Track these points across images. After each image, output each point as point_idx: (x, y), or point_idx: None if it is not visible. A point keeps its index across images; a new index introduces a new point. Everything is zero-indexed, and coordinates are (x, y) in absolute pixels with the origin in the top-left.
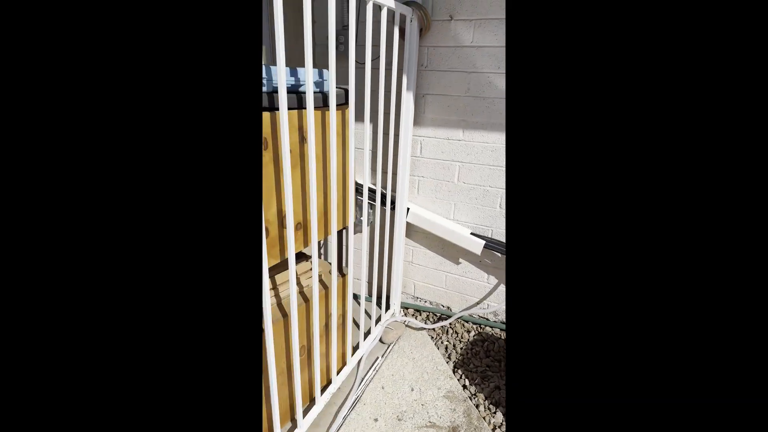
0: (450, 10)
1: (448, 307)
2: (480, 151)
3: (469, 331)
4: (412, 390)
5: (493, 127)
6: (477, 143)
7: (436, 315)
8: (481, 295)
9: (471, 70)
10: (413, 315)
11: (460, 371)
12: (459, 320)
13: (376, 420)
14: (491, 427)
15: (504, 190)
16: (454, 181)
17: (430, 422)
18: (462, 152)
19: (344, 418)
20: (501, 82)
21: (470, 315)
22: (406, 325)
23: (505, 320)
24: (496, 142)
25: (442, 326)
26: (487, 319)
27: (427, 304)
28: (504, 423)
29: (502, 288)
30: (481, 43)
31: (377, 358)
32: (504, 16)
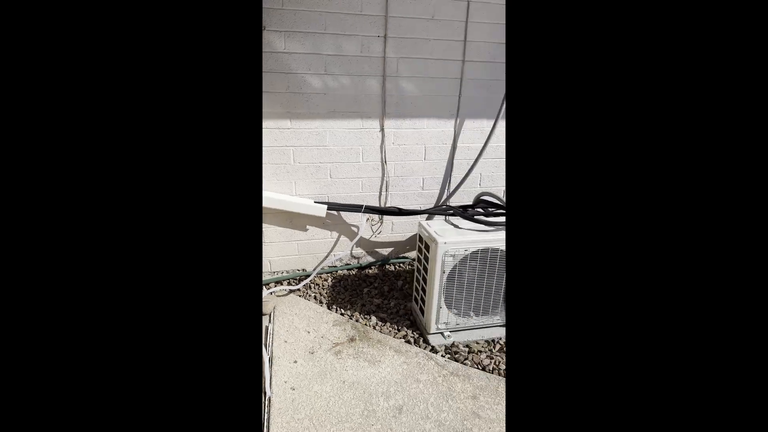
0: (263, 21)
1: (304, 269)
2: (307, 135)
3: (326, 280)
4: (308, 332)
5: (313, 116)
6: (303, 129)
7: (296, 279)
8: (328, 249)
9: (288, 71)
10: (275, 286)
11: (334, 306)
12: (317, 275)
13: (295, 362)
14: (371, 327)
15: (331, 164)
16: (291, 163)
17: (334, 344)
18: (293, 138)
19: (270, 371)
20: (313, 81)
21: (322, 268)
22: (276, 296)
23: (348, 262)
24: (318, 127)
25: (304, 284)
26: (336, 266)
27: (285, 274)
28: (378, 323)
29: (343, 238)
30: (292, 50)
31: (266, 326)
32: (307, 30)
